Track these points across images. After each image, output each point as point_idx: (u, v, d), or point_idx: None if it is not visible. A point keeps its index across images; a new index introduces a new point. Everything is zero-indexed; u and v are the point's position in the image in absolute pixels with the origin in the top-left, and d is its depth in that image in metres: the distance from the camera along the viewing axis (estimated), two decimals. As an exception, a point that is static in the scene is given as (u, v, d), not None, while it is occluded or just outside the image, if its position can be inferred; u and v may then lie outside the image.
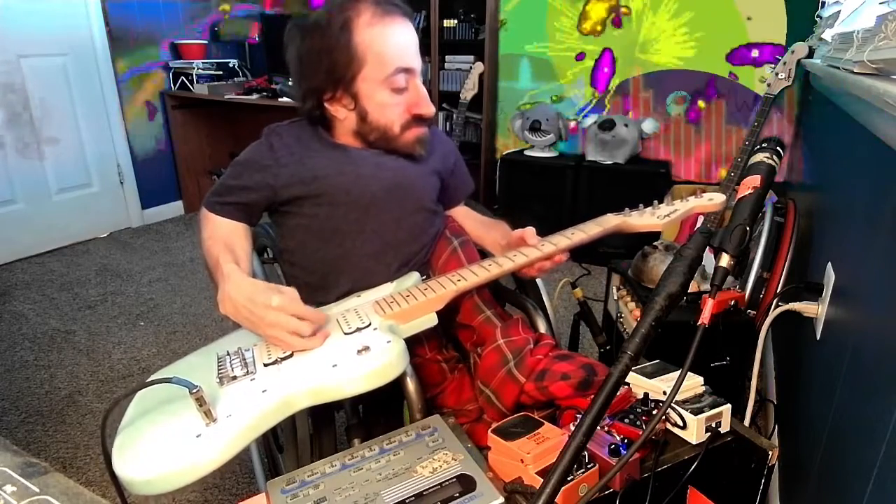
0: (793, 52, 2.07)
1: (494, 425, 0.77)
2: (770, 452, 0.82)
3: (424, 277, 1.01)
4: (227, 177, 1.05)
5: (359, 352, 0.77)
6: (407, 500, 0.66)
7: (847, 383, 0.93)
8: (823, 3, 2.31)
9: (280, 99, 3.26)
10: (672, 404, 0.81)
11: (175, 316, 2.39)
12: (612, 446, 0.72)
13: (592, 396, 0.58)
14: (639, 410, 0.79)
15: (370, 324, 0.84)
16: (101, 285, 2.67)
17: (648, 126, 2.85)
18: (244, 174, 1.04)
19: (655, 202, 0.99)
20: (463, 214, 1.26)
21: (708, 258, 0.66)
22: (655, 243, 1.52)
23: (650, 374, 0.89)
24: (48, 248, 3.02)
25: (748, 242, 0.64)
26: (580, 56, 3.06)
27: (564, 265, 1.06)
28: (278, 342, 0.81)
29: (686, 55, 2.84)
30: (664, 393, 0.83)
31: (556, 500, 0.55)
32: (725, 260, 0.63)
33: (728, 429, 0.82)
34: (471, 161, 1.26)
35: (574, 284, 1.58)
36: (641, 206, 1.00)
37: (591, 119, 2.91)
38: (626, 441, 0.74)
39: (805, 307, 1.23)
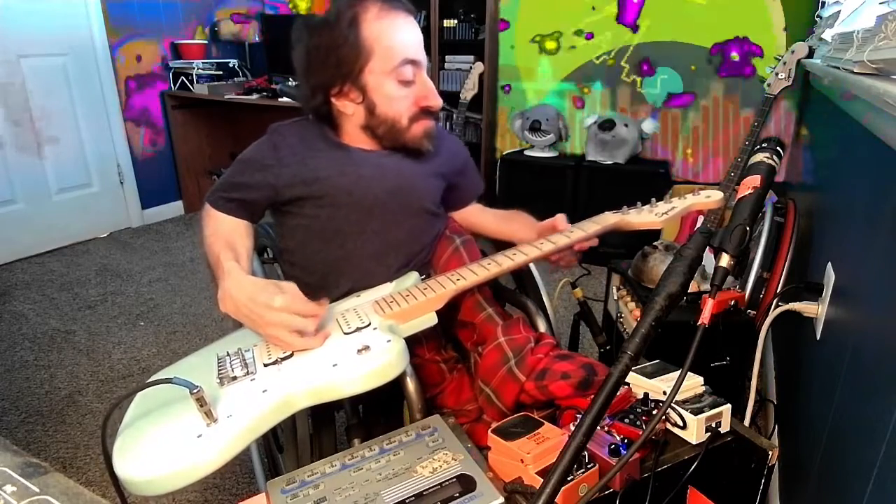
0: (793, 52, 2.07)
1: (494, 425, 0.77)
2: (770, 452, 0.82)
3: (424, 277, 1.01)
4: (230, 173, 1.06)
5: (359, 351, 0.77)
6: (407, 500, 0.66)
7: (847, 383, 0.93)
8: (823, 3, 2.31)
9: (280, 99, 3.26)
10: (672, 404, 0.81)
11: (175, 316, 2.39)
12: (612, 446, 0.72)
13: (592, 396, 0.58)
14: (639, 410, 0.79)
15: (370, 323, 0.84)
16: (101, 285, 2.67)
17: (648, 126, 2.85)
18: (246, 172, 1.04)
19: (653, 200, 0.99)
20: (480, 212, 1.27)
21: (708, 258, 0.66)
22: (655, 243, 1.52)
23: (650, 374, 0.89)
24: (48, 248, 3.02)
25: (748, 242, 0.64)
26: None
27: (572, 266, 1.07)
28: (278, 341, 0.81)
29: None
30: (664, 393, 0.83)
31: (556, 500, 0.55)
32: (725, 260, 0.63)
33: (728, 429, 0.82)
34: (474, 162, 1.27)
35: (574, 284, 1.58)
36: (639, 203, 1.00)
37: (592, 119, 2.91)
38: (626, 441, 0.74)
39: (805, 307, 1.23)
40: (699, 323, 0.60)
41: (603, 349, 1.62)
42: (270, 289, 0.82)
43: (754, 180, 0.69)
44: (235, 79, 3.61)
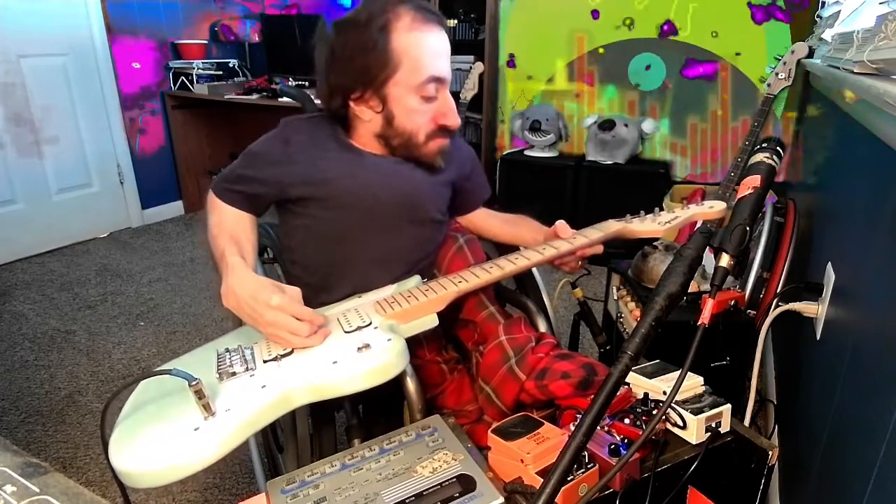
0: (793, 52, 2.07)
1: (494, 425, 0.77)
2: (770, 452, 0.82)
3: (425, 280, 1.01)
4: (238, 165, 1.05)
5: (359, 349, 0.77)
6: (407, 500, 0.66)
7: (847, 383, 0.93)
8: (823, 3, 2.31)
9: (280, 99, 3.26)
10: (672, 404, 0.81)
11: (175, 316, 2.39)
12: (612, 446, 0.72)
13: (592, 396, 0.58)
14: (639, 410, 0.79)
15: (371, 322, 0.84)
16: (101, 285, 2.67)
17: (648, 126, 2.85)
18: (256, 165, 1.03)
19: (656, 209, 1.00)
20: (486, 216, 1.26)
21: (708, 258, 0.66)
22: (655, 243, 1.52)
23: (650, 374, 0.89)
24: (48, 248, 3.02)
25: (748, 242, 0.64)
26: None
27: (576, 270, 1.07)
28: (278, 339, 0.81)
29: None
30: (664, 393, 0.83)
31: (556, 500, 0.55)
32: (725, 260, 0.63)
33: (728, 429, 0.82)
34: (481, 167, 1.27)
35: (574, 284, 1.58)
36: (642, 212, 1.01)
37: (592, 119, 2.92)
38: (626, 441, 0.74)
39: (805, 307, 1.23)
40: (699, 323, 0.60)
41: (603, 349, 1.62)
42: (272, 288, 0.82)
43: (754, 180, 0.69)
44: (235, 79, 3.60)
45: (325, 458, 0.76)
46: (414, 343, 0.92)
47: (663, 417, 0.81)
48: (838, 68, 1.34)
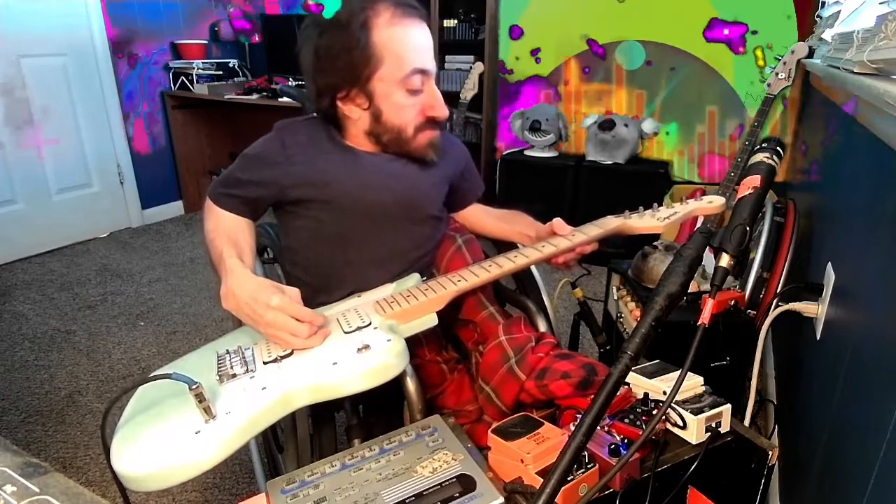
0: (793, 52, 2.07)
1: (494, 425, 0.77)
2: (770, 452, 0.82)
3: (425, 279, 1.01)
4: (235, 168, 1.04)
5: (359, 350, 0.77)
6: (407, 500, 0.66)
7: (847, 383, 0.93)
8: (823, 3, 2.31)
9: (280, 99, 3.26)
10: (672, 404, 0.81)
11: (175, 316, 2.39)
12: (612, 446, 0.72)
13: (592, 396, 0.58)
14: (639, 410, 0.79)
15: (370, 323, 0.84)
16: (101, 285, 2.67)
17: (648, 126, 2.85)
18: (253, 168, 1.03)
19: (655, 205, 1.00)
20: (480, 212, 1.26)
21: (708, 258, 0.66)
22: (655, 243, 1.52)
23: (650, 374, 0.89)
24: (48, 248, 3.02)
25: (748, 242, 0.64)
26: None
27: (572, 268, 1.07)
28: (278, 340, 0.81)
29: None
30: (664, 393, 0.83)
31: (556, 500, 0.55)
32: (725, 260, 0.63)
33: (728, 429, 0.82)
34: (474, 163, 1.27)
35: (574, 284, 1.58)
36: (641, 208, 1.00)
37: (591, 119, 2.91)
38: (626, 441, 0.74)
39: (805, 307, 1.23)
40: (699, 323, 0.60)
41: (603, 349, 1.62)
42: (271, 289, 0.82)
43: (754, 180, 0.69)
44: (235, 79, 3.60)
45: (325, 458, 0.76)
46: (414, 343, 0.92)
47: (663, 417, 0.81)
48: (838, 68, 1.34)
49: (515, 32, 3.16)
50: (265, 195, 1.03)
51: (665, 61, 2.86)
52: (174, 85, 3.43)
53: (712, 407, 0.81)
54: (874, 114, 0.96)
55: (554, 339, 0.99)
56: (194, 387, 0.68)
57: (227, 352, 0.84)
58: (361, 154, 1.05)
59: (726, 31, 2.69)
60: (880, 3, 1.15)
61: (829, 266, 1.19)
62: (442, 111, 1.03)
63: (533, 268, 1.20)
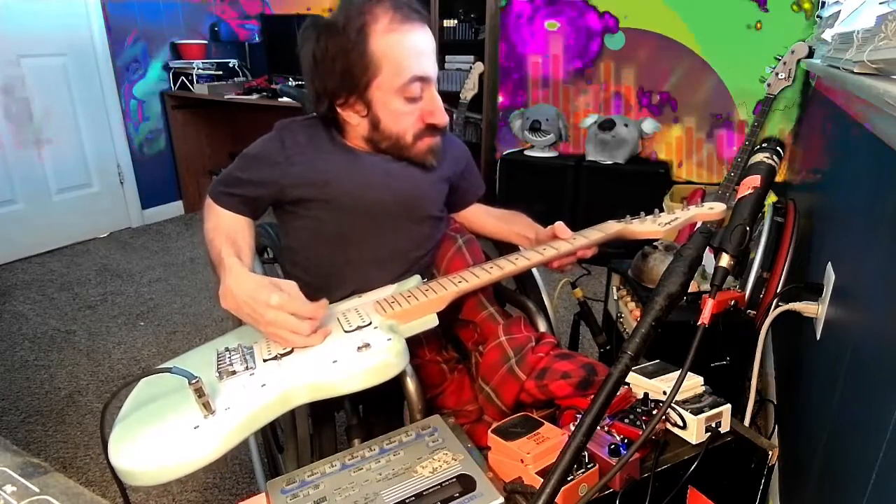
0: (793, 52, 2.07)
1: (494, 425, 0.77)
2: (770, 452, 0.82)
3: (425, 280, 1.01)
4: (234, 168, 1.04)
5: (359, 349, 0.77)
6: (407, 500, 0.66)
7: (847, 383, 0.93)
8: (823, 3, 2.31)
9: (280, 99, 3.26)
10: (672, 404, 0.81)
11: (175, 316, 2.39)
12: (612, 446, 0.72)
13: (592, 396, 0.58)
14: (639, 410, 0.79)
15: (371, 322, 0.84)
16: (101, 285, 2.67)
17: (648, 126, 2.85)
18: (253, 168, 1.03)
19: (656, 210, 1.00)
20: (480, 212, 1.26)
21: (708, 258, 0.66)
22: (655, 243, 1.52)
23: (650, 374, 0.89)
24: (48, 248, 3.02)
25: (748, 242, 0.64)
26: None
27: (569, 270, 1.07)
28: (278, 339, 0.81)
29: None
30: (664, 393, 0.83)
31: (556, 500, 0.55)
32: (725, 260, 0.63)
33: (728, 429, 0.82)
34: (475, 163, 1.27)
35: (574, 284, 1.58)
36: (643, 213, 1.01)
37: (591, 119, 2.92)
38: (626, 441, 0.74)
39: (805, 307, 1.23)
40: (699, 323, 0.60)
41: (603, 349, 1.62)
42: (270, 287, 0.81)
43: (754, 180, 0.69)
44: (235, 79, 3.60)
45: (325, 458, 0.76)
46: (414, 343, 0.92)
47: (663, 417, 0.81)
48: (838, 68, 1.34)
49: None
50: (265, 195, 1.03)
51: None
52: (174, 85, 3.43)
53: (712, 407, 0.81)
54: (874, 114, 0.96)
55: (554, 339, 0.99)
56: (194, 381, 0.68)
57: (227, 349, 0.84)
58: (361, 154, 1.05)
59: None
60: (880, 3, 1.15)
61: (829, 266, 1.19)
62: (441, 118, 1.01)
63: (533, 268, 1.21)
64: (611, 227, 0.99)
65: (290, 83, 3.34)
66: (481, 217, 1.25)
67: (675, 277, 0.61)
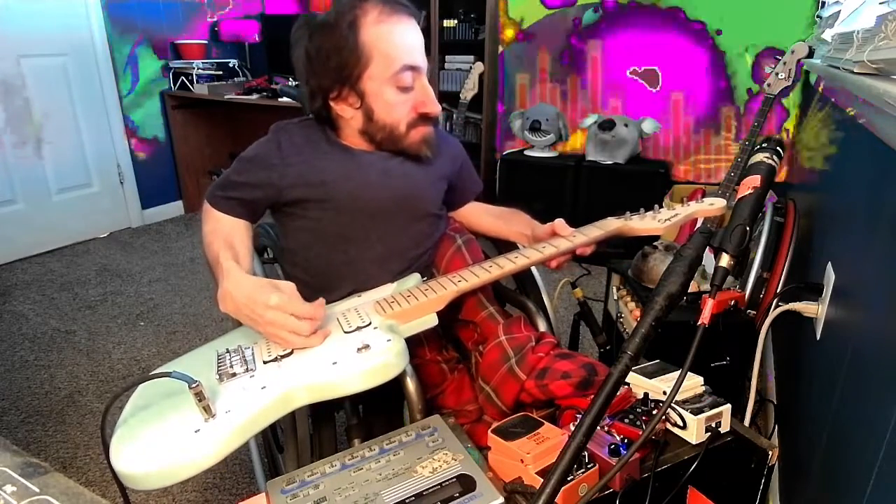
0: (793, 51, 2.07)
1: (494, 425, 0.77)
2: (770, 452, 0.82)
3: (425, 279, 1.01)
4: (232, 171, 1.04)
5: (359, 350, 0.77)
6: (407, 500, 0.66)
7: (847, 383, 0.93)
8: (823, 3, 2.31)
9: (280, 99, 3.26)
10: (672, 404, 0.81)
11: (175, 316, 2.39)
12: (612, 446, 0.72)
13: (592, 396, 0.58)
14: (639, 410, 0.79)
15: (370, 323, 0.84)
16: (101, 285, 2.67)
17: (648, 126, 2.85)
18: (250, 170, 1.03)
19: (656, 206, 0.99)
20: (479, 210, 1.26)
21: (708, 258, 0.66)
22: (655, 243, 1.52)
23: (650, 374, 0.89)
24: (48, 248, 3.02)
25: (748, 242, 0.64)
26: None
27: (563, 267, 1.06)
28: (278, 340, 0.81)
29: None
30: (664, 393, 0.83)
31: (556, 500, 0.55)
32: (725, 260, 0.63)
33: (728, 429, 0.82)
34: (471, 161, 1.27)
35: (574, 284, 1.59)
36: (642, 209, 1.00)
37: (591, 119, 2.91)
38: (626, 441, 0.74)
39: (805, 307, 1.23)
40: (699, 323, 0.60)
41: (603, 349, 1.62)
42: (268, 288, 0.81)
43: (754, 180, 0.69)
44: (235, 79, 3.61)
45: (325, 458, 0.76)
46: (414, 343, 0.92)
47: (663, 417, 0.81)
48: (838, 68, 1.34)
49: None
50: (262, 197, 1.03)
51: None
52: (174, 85, 3.43)
53: (712, 407, 0.81)
54: (874, 114, 0.96)
55: (554, 339, 0.99)
56: (194, 385, 0.68)
57: (227, 351, 0.84)
58: (358, 152, 1.05)
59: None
60: (880, 3, 1.15)
61: (829, 266, 1.19)
62: (434, 107, 1.03)
63: (533, 268, 1.20)
64: (610, 224, 0.99)
65: (290, 83, 3.34)
66: (480, 215, 1.25)
67: (675, 277, 0.61)
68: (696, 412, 0.80)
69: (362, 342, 0.78)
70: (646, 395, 0.83)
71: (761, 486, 0.84)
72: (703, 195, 1.02)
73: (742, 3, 2.68)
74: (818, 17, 2.35)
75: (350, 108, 1.02)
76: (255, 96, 3.35)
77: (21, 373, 1.98)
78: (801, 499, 1.12)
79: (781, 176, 2.59)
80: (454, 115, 2.94)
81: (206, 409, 0.69)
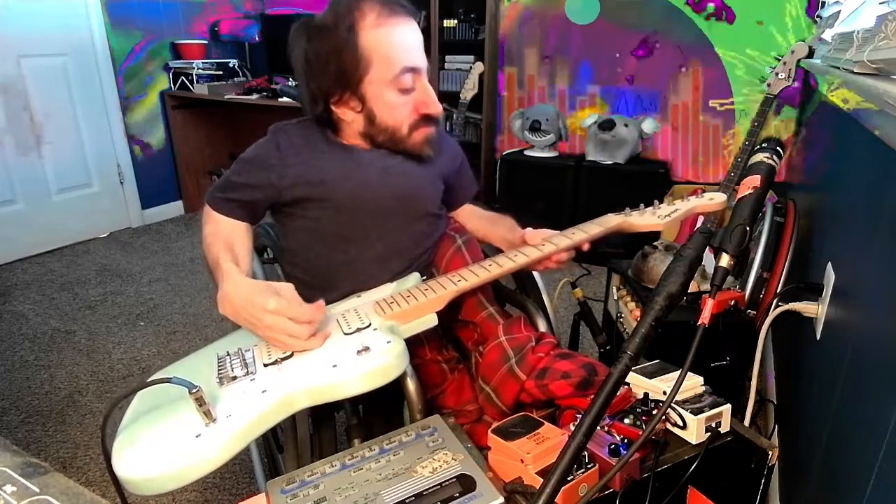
0: (793, 51, 2.07)
1: (494, 425, 0.77)
2: (770, 452, 0.82)
3: (425, 278, 1.01)
4: (231, 173, 1.04)
5: (359, 352, 0.77)
6: (407, 500, 0.66)
7: (847, 383, 0.93)
8: (823, 3, 2.31)
9: (280, 99, 3.26)
10: (672, 404, 0.81)
11: (175, 316, 2.39)
12: (612, 446, 0.72)
13: (592, 396, 0.58)
14: (639, 410, 0.79)
15: (370, 324, 0.84)
16: (101, 285, 2.67)
17: (648, 126, 2.85)
18: (249, 172, 1.03)
19: (656, 202, 0.99)
20: (469, 213, 1.26)
21: (708, 258, 0.66)
22: (655, 243, 1.52)
23: (650, 374, 0.89)
24: (48, 248, 3.02)
25: (748, 242, 0.64)
26: None
27: (564, 265, 1.06)
28: (277, 344, 0.81)
29: None
30: (664, 393, 0.83)
31: (556, 500, 0.55)
32: (725, 260, 0.63)
33: (728, 429, 0.82)
34: (471, 161, 1.27)
35: (574, 284, 1.59)
36: (642, 205, 1.00)
37: (591, 119, 2.91)
38: (626, 441, 0.74)
39: (805, 307, 1.23)
40: (699, 323, 0.60)
41: (603, 349, 1.62)
42: (267, 292, 0.81)
43: (754, 180, 0.69)
44: (235, 79, 3.60)
45: (325, 458, 0.76)
46: (414, 342, 0.92)
47: (663, 417, 0.81)
48: (838, 68, 1.34)
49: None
50: (261, 198, 1.03)
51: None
52: (174, 85, 3.43)
53: (712, 407, 0.81)
54: (874, 114, 0.96)
55: (554, 339, 0.99)
56: (194, 391, 0.68)
57: (228, 354, 0.84)
58: (358, 151, 1.05)
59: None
60: (880, 3, 1.15)
61: (829, 266, 1.19)
62: (435, 107, 1.02)
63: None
64: (610, 221, 0.99)
65: (290, 83, 3.34)
66: (470, 218, 1.25)
67: (675, 277, 0.61)
68: (696, 412, 0.80)
69: (362, 344, 0.78)
70: (646, 395, 0.83)
71: (761, 487, 0.84)
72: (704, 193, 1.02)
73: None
74: (818, 17, 2.35)
75: (352, 112, 1.01)
76: (255, 96, 3.35)
77: (21, 373, 1.98)
78: (801, 499, 1.12)
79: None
80: (454, 115, 2.94)
81: (207, 415, 0.69)
